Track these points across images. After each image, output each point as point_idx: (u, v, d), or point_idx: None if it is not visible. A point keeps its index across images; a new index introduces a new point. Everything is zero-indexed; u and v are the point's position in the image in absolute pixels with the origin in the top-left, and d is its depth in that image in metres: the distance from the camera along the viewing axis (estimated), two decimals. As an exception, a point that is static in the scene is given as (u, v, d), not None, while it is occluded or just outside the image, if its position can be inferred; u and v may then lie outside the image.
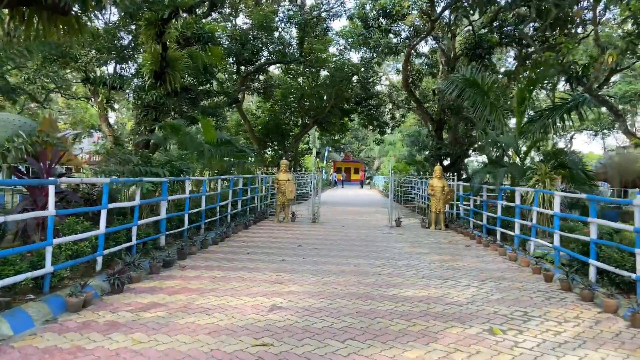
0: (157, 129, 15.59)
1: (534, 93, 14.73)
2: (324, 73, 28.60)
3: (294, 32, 27.38)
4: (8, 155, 8.45)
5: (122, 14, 16.22)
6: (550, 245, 9.70)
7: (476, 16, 23.33)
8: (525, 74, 15.32)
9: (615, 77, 27.70)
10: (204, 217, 12.20)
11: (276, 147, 31.95)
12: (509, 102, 17.12)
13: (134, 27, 17.52)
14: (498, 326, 5.76)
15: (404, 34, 23.70)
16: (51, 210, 5.99)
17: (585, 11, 18.99)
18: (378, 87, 34.38)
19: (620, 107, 32.14)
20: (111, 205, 7.46)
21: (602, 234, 8.38)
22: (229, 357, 4.60)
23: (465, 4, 18.39)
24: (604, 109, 34.83)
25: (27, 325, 5.18)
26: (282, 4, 26.54)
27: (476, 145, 24.82)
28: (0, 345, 4.66)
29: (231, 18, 26.01)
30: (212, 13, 22.35)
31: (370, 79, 29.85)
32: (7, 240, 7.62)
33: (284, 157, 25.17)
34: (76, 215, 7.50)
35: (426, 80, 28.84)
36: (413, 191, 25.49)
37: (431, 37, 23.80)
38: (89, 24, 9.45)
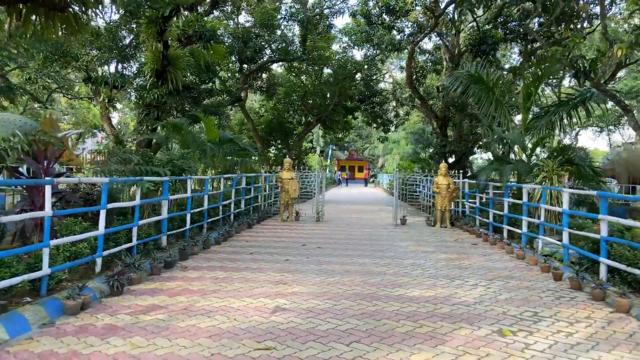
0: (159, 128, 15.47)
1: (540, 89, 14.50)
2: (327, 71, 28.45)
3: (296, 29, 27.27)
4: (7, 155, 8.34)
5: (123, 12, 16.06)
6: (559, 243, 9.51)
7: (480, 12, 23.15)
8: (531, 70, 15.07)
9: (620, 73, 27.41)
10: (207, 216, 12.06)
11: (280, 146, 31.84)
12: (513, 99, 16.90)
13: (135, 25, 17.37)
14: (507, 327, 5.59)
15: (407, 31, 23.52)
16: (48, 210, 5.86)
17: (591, 5, 18.75)
18: (382, 85, 34.24)
19: (626, 102, 31.78)
20: (110, 206, 7.31)
21: (612, 231, 8.19)
22: (230, 361, 4.46)
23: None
24: (609, 105, 34.60)
25: (24, 329, 5.04)
26: (284, 2, 26.41)
27: (481, 142, 24.62)
28: (-6, 351, 4.53)
29: (233, 16, 25.86)
30: (214, 11, 22.23)
31: (374, 77, 29.70)
32: (6, 242, 7.50)
33: (287, 156, 25.04)
34: (75, 216, 7.36)
35: (430, 77, 28.64)
36: (418, 189, 25.30)
37: (435, 33, 23.62)
38: (88, 21, 9.32)
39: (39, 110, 28.76)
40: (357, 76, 28.55)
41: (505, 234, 12.28)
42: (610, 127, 47.57)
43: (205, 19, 19.10)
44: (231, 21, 25.89)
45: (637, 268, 6.89)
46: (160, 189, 10.04)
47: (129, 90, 18.21)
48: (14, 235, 7.45)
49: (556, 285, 7.78)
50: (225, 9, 24.33)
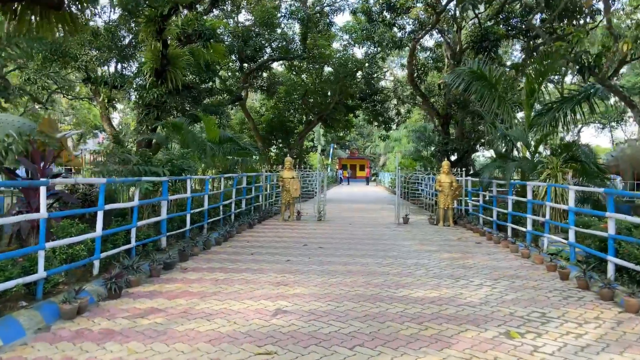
0: (159, 127, 15.33)
1: (542, 86, 14.34)
2: (327, 69, 28.30)
3: (296, 28, 27.12)
4: (3, 156, 8.20)
5: (122, 11, 15.94)
6: (565, 241, 9.36)
7: (482, 8, 22.95)
8: (534, 66, 14.90)
9: (622, 69, 27.22)
10: (207, 216, 11.92)
11: (280, 145, 31.70)
12: (516, 95, 16.73)
13: (134, 25, 17.25)
14: (515, 329, 5.44)
15: (408, 28, 23.33)
16: (43, 212, 5.72)
17: (594, 0, 18.56)
18: (383, 83, 34.06)
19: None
20: (108, 207, 7.17)
21: (619, 229, 8.04)
22: (229, 367, 4.32)
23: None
24: (611, 101, 34.39)
25: (18, 335, 4.91)
26: (284, 0, 26.25)
27: (484, 140, 24.44)
28: (-13, 357, 4.40)
29: (233, 15, 25.70)
30: (214, 10, 22.08)
31: (375, 75, 29.50)
32: (3, 244, 7.38)
33: (288, 155, 24.90)
34: (72, 218, 7.22)
35: (431, 75, 28.45)
36: (420, 187, 25.14)
37: (436, 30, 23.43)
38: (84, 19, 9.19)
39: (39, 111, 28.66)
40: (358, 74, 28.38)
41: (509, 233, 12.14)
42: (613, 124, 47.38)
43: (205, 17, 18.95)
44: (231, 20, 25.73)
45: (647, 267, 6.75)
46: (160, 189, 9.90)
47: (128, 90, 18.07)
48: (10, 237, 7.32)
49: (563, 285, 7.63)
50: (225, 7, 24.17)
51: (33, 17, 7.55)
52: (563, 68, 20.03)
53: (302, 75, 28.72)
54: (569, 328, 5.51)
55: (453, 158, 23.17)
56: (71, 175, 15.76)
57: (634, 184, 18.41)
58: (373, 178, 66.82)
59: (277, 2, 25.22)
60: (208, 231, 11.79)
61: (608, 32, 17.76)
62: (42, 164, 7.22)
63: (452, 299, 6.66)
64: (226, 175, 14.14)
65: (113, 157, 9.48)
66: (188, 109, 18.15)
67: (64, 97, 31.85)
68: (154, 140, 15.39)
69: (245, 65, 25.67)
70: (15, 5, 7.46)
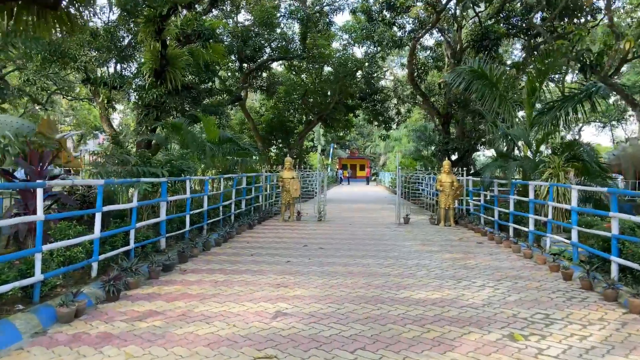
0: (158, 128, 15.25)
1: (543, 84, 14.26)
2: (327, 69, 28.22)
3: (296, 27, 27.04)
4: (4, 158, 8.14)
5: (120, 11, 15.86)
6: (568, 241, 9.28)
7: (482, 7, 22.87)
8: (534, 65, 14.81)
9: (622, 68, 27.09)
10: (207, 217, 11.83)
11: (280, 145, 31.62)
12: (516, 94, 16.65)
13: (133, 25, 17.17)
14: (519, 331, 5.36)
15: (408, 27, 23.23)
16: (39, 214, 5.64)
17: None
18: (383, 82, 33.96)
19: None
20: (106, 208, 7.09)
21: (623, 229, 7.96)
22: (229, 371, 4.25)
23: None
24: (611, 100, 34.30)
25: (14, 339, 4.84)
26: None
27: (484, 139, 24.35)
28: (-18, 362, 4.33)
29: (232, 15, 25.63)
30: (213, 10, 22.00)
31: (375, 74, 29.41)
32: (1, 247, 7.30)
33: (288, 155, 24.82)
34: (70, 219, 7.14)
35: (432, 74, 28.36)
36: (420, 187, 25.05)
37: (436, 29, 23.34)
38: (82, 19, 9.10)
39: (39, 112, 28.62)
40: (357, 74, 28.29)
41: (511, 232, 12.06)
42: (613, 123, 47.28)
43: (204, 17, 18.88)
44: (230, 20, 25.66)
45: (651, 267, 6.67)
46: (159, 190, 9.82)
47: (128, 90, 18.00)
48: (8, 239, 7.25)
49: (566, 285, 7.55)
50: (224, 7, 24.09)
51: (30, 17, 7.50)
52: (564, 67, 19.97)
53: (302, 75, 28.63)
54: (573, 330, 5.44)
55: (454, 157, 23.09)
56: (71, 176, 15.67)
57: (636, 183, 18.32)
58: (373, 178, 66.74)
59: (276, 2, 25.14)
60: (208, 232, 11.72)
61: (609, 31, 17.71)
62: (39, 166, 7.14)
63: (454, 300, 6.58)
64: (226, 176, 14.07)
65: (112, 158, 9.39)
66: (188, 109, 18.08)
67: (63, 98, 31.79)
68: (153, 141, 15.32)
69: (245, 65, 25.59)
70: (12, 5, 7.40)
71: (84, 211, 7.39)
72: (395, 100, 32.40)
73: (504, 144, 15.66)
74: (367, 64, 27.80)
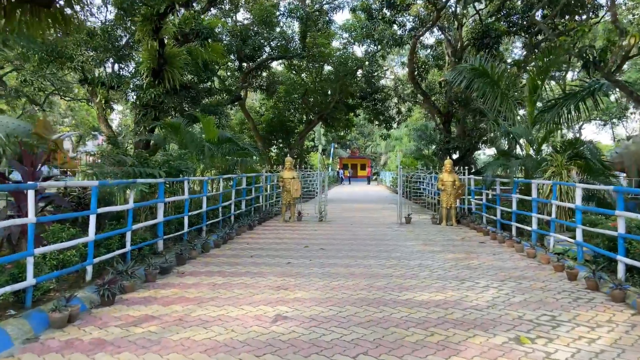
0: (156, 128, 15.10)
1: (545, 82, 14.10)
2: (327, 68, 28.06)
3: (296, 26, 26.88)
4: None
5: (117, 10, 15.69)
6: (572, 240, 9.12)
7: (483, 5, 22.71)
8: (536, 63, 14.63)
9: (623, 66, 26.91)
10: (205, 218, 11.67)
11: (281, 145, 31.47)
12: (517, 93, 16.48)
13: (130, 24, 17.01)
14: (525, 334, 5.21)
15: (409, 25, 23.10)
16: (31, 217, 5.48)
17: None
18: (383, 82, 33.81)
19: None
20: (101, 210, 6.92)
21: (629, 227, 7.80)
22: (226, 379, 4.09)
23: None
24: (612, 98, 34.09)
25: (5, 345, 4.68)
26: (283, -3, 26.04)
27: (485, 138, 24.20)
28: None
29: (231, 14, 25.47)
30: (211, 8, 21.84)
31: (375, 73, 29.26)
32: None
33: (288, 155, 24.67)
34: (64, 222, 6.98)
35: (432, 73, 28.22)
36: (422, 186, 24.89)
37: (437, 27, 23.19)
38: (77, 18, 8.95)
39: (37, 113, 28.50)
40: (358, 73, 28.14)
41: (514, 232, 11.90)
42: (614, 120, 47.08)
43: (203, 16, 18.72)
44: (229, 19, 25.50)
45: (659, 267, 6.51)
46: (157, 191, 9.65)
47: (125, 90, 17.84)
48: (1, 242, 7.09)
49: (572, 286, 7.39)
50: (223, 6, 23.93)
51: (23, 16, 7.35)
52: (564, 65, 19.82)
53: (302, 74, 28.48)
54: (581, 332, 5.28)
55: (455, 156, 22.94)
56: (67, 177, 15.51)
57: (639, 181, 18.15)
58: (374, 177, 66.59)
59: (275, 1, 24.97)
60: (207, 233, 11.56)
61: (610, 28, 17.55)
62: (32, 167, 6.98)
63: (458, 302, 6.42)
64: (225, 176, 13.92)
65: (108, 159, 9.22)
66: (187, 109, 17.92)
67: (61, 98, 31.64)
68: (152, 142, 15.17)
69: (244, 64, 25.44)
70: (5, 3, 7.25)
71: (77, 213, 7.21)
72: (395, 100, 32.27)
73: (506, 142, 15.51)
74: (367, 62, 27.66)
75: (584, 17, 20.41)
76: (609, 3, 19.04)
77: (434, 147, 30.37)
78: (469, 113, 22.73)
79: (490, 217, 13.96)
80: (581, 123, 44.45)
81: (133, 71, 18.52)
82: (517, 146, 15.94)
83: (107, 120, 18.31)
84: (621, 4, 24.44)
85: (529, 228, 11.13)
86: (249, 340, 4.94)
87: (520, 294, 6.82)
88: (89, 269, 6.72)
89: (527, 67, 21.26)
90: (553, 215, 10.11)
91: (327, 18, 25.89)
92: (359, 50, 74.37)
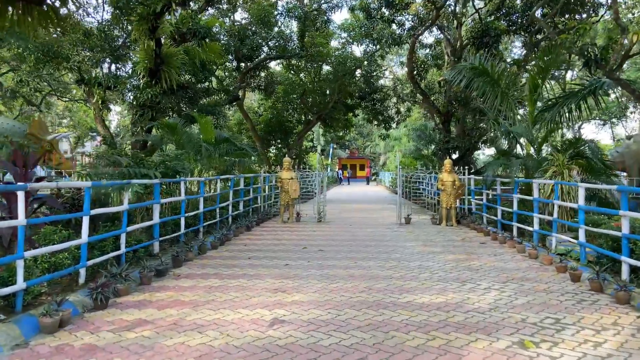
0: (153, 128, 14.95)
1: (545, 81, 13.97)
2: (326, 68, 27.91)
3: (294, 26, 26.73)
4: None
5: (113, 9, 15.54)
6: (575, 241, 8.98)
7: (482, 3, 22.58)
8: (536, 61, 14.49)
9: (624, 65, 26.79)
10: (202, 220, 11.51)
11: (279, 145, 31.31)
12: (517, 92, 16.35)
13: (127, 23, 16.86)
14: (529, 337, 5.07)
15: (407, 24, 22.96)
16: (21, 219, 5.33)
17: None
18: (382, 81, 33.67)
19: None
20: (94, 212, 6.75)
21: (633, 227, 7.65)
22: (220, 386, 3.94)
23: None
24: (612, 97, 33.98)
25: (-7, 352, 4.54)
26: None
27: (485, 137, 24.06)
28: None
29: (229, 13, 25.31)
30: (209, 8, 21.69)
31: (374, 73, 29.11)
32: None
33: (287, 155, 24.52)
34: (57, 224, 6.83)
35: (431, 73, 28.08)
36: (421, 186, 24.75)
37: (436, 26, 23.05)
38: (71, 16, 8.83)
39: (33, 114, 28.36)
40: (357, 73, 27.99)
41: (515, 232, 11.76)
42: (613, 120, 46.97)
43: (200, 16, 18.57)
44: (227, 18, 25.34)
45: (665, 268, 6.37)
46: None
47: (122, 91, 17.68)
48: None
49: (575, 287, 7.25)
50: (220, 6, 23.77)
51: (14, 13, 7.21)
52: (564, 64, 19.69)
53: (301, 74, 28.32)
54: (586, 336, 5.14)
55: (454, 156, 22.80)
56: (63, 178, 15.36)
57: (640, 180, 18.06)
58: (373, 178, 66.48)
59: (273, 0, 24.81)
60: (204, 235, 11.42)
61: (610, 27, 17.41)
62: (25, 168, 6.83)
63: (459, 304, 6.28)
64: (223, 177, 13.77)
65: (103, 160, 9.07)
66: (184, 109, 17.77)
67: (58, 99, 31.48)
68: (149, 142, 15.02)
69: (242, 64, 25.27)
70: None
71: (69, 215, 7.05)
72: (394, 99, 32.11)
73: (506, 141, 15.38)
74: (366, 62, 27.50)
75: (584, 15, 20.30)
76: (609, 1, 18.95)
77: (433, 147, 30.18)
78: (468, 112, 22.60)
79: (490, 217, 13.83)
80: (580, 123, 44.35)
81: (130, 71, 18.36)
82: (518, 146, 15.82)
83: (104, 120, 18.14)
84: (621, 2, 24.33)
85: (530, 228, 11.00)
86: (244, 345, 4.80)
87: (523, 296, 6.69)
88: (82, 271, 6.57)
89: (527, 66, 21.15)
90: (555, 215, 9.97)
91: (325, 17, 25.73)
92: (357, 50, 74.25)
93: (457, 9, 22.15)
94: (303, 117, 30.83)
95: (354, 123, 38.26)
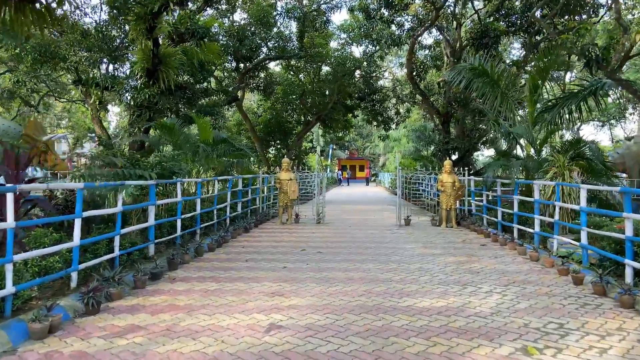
0: (151, 129, 14.81)
1: (545, 82, 13.84)
2: (325, 68, 27.79)
3: (293, 26, 26.61)
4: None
5: (109, 9, 15.40)
6: (576, 243, 8.84)
7: (481, 4, 22.46)
8: (536, 62, 14.35)
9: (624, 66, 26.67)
10: (199, 221, 11.36)
11: (279, 146, 31.17)
12: (516, 93, 16.22)
13: (125, 24, 16.71)
14: (532, 343, 4.92)
15: (407, 25, 22.81)
16: (10, 221, 5.19)
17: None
18: (381, 82, 33.56)
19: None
20: (87, 214, 6.61)
21: (636, 230, 7.51)
22: (213, 396, 3.80)
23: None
24: (610, 99, 33.85)
25: (-20, 359, 4.39)
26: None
27: (485, 138, 23.93)
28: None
29: (228, 14, 25.17)
30: (207, 8, 21.53)
31: (374, 74, 28.99)
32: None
33: (285, 156, 24.38)
34: (48, 226, 6.68)
35: (431, 73, 27.96)
36: (421, 187, 24.61)
37: (435, 27, 22.91)
38: (64, 15, 8.70)
39: (30, 115, 28.21)
40: (356, 73, 27.87)
41: (515, 234, 11.62)
42: (612, 121, 46.85)
43: (198, 16, 18.43)
44: (226, 19, 25.20)
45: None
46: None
47: (120, 91, 17.53)
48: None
49: (578, 291, 7.11)
50: (219, 6, 23.63)
51: (7, 11, 7.08)
52: (564, 65, 19.56)
53: (300, 75, 28.20)
54: (590, 341, 5.00)
55: (454, 157, 22.65)
56: (58, 180, 15.20)
57: (641, 182, 17.91)
58: (373, 178, 66.36)
59: (272, 1, 24.69)
60: (201, 237, 11.26)
61: (610, 28, 17.29)
62: (16, 169, 6.69)
63: (460, 308, 6.14)
64: (220, 178, 13.62)
65: (97, 160, 8.93)
66: (182, 110, 17.62)
67: (56, 100, 31.33)
68: (147, 143, 14.87)
69: (241, 65, 25.13)
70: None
71: (61, 217, 6.89)
72: (394, 100, 31.97)
73: (506, 142, 15.24)
74: (365, 63, 27.38)
75: (584, 16, 20.17)
76: (609, 2, 18.83)
77: (432, 147, 30.04)
78: (468, 113, 22.46)
79: (491, 218, 13.70)
80: (580, 124, 44.23)
81: (128, 72, 18.22)
82: (518, 147, 15.71)
83: (101, 121, 18.00)
84: (621, 3, 24.21)
85: (531, 230, 10.87)
86: (239, 352, 4.65)
87: (525, 300, 6.55)
88: (74, 275, 6.41)
89: (527, 67, 21.03)
90: (556, 217, 9.84)
91: (324, 18, 25.61)
92: (357, 51, 74.18)
93: (457, 9, 22.03)
94: (302, 117, 30.70)
95: (353, 124, 38.13)
